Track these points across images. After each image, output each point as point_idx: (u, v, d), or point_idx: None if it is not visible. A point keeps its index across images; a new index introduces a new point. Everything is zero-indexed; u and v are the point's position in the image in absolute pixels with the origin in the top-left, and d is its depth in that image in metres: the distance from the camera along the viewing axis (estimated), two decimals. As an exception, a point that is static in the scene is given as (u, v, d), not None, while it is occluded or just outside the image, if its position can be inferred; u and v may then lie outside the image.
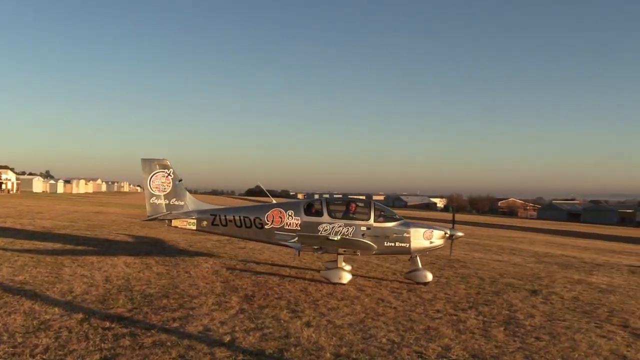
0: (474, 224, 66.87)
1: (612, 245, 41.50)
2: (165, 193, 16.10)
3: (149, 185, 16.13)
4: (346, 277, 14.03)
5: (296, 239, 13.84)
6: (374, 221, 14.70)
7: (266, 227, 15.08)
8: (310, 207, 15.24)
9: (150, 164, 16.27)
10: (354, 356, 7.93)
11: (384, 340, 8.89)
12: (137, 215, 36.85)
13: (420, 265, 15.01)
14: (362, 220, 14.75)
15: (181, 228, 16.22)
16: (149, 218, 16.24)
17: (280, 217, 14.99)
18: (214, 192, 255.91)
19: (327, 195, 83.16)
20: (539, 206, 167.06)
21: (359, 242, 13.99)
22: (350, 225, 14.61)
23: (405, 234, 14.64)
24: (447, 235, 15.10)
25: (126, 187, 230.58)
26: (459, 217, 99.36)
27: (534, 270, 19.51)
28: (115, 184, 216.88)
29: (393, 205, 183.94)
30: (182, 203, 16.13)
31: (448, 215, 63.07)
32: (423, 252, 15.18)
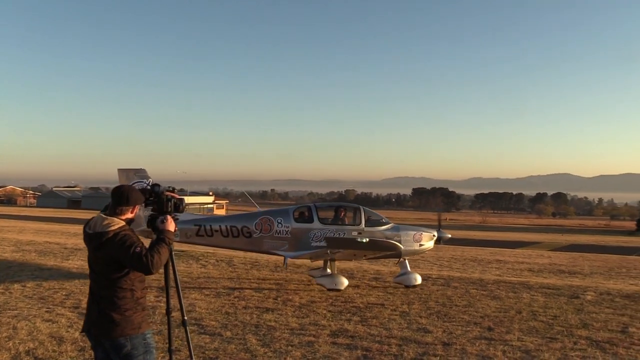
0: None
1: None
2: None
3: None
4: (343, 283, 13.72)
5: (324, 241, 13.47)
6: (365, 225, 14.56)
7: (255, 235, 14.36)
8: (301, 214, 14.88)
9: (127, 174, 14.69)
10: None
11: None
12: None
13: (409, 269, 14.87)
14: (353, 224, 14.65)
15: None
16: None
17: (270, 225, 14.36)
18: None
19: None
20: (40, 194, 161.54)
21: (387, 244, 13.71)
22: (342, 231, 14.42)
23: (395, 238, 14.41)
24: (434, 237, 15.16)
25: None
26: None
27: (8, 260, 18.58)
28: None
29: None
30: None
31: None
32: (413, 254, 15.35)
